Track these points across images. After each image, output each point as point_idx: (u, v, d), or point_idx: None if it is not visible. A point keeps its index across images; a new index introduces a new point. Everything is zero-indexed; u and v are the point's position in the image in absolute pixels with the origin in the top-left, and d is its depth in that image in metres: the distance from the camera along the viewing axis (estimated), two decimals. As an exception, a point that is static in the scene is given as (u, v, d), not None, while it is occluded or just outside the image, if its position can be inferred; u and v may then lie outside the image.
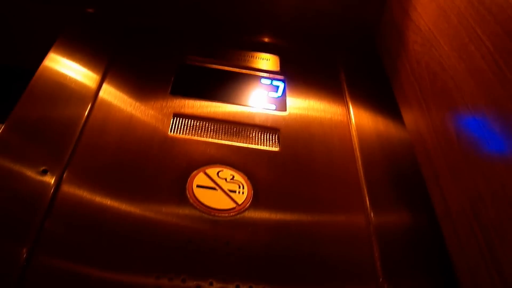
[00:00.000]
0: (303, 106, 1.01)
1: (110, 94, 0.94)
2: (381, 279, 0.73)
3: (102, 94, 0.93)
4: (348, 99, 1.04)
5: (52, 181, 0.75)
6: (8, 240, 0.67)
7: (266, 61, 1.12)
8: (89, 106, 0.89)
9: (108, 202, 0.75)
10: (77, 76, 0.96)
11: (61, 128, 0.84)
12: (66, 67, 0.97)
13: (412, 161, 0.92)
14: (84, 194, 0.75)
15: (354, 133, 0.96)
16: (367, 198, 0.84)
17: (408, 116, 0.98)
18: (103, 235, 0.71)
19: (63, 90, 0.92)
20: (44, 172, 0.76)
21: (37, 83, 0.92)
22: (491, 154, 0.67)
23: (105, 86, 0.95)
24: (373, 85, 1.11)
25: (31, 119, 0.85)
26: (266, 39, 1.21)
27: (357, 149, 0.93)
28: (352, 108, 1.02)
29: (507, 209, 0.61)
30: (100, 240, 0.70)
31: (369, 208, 0.82)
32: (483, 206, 0.67)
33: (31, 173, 0.76)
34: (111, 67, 1.00)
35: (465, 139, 0.74)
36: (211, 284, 0.67)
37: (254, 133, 0.92)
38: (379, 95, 1.08)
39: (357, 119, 1.00)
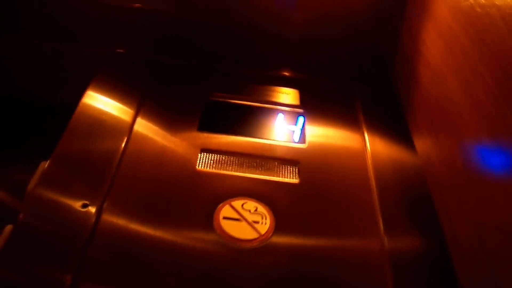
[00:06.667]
0: (321, 137, 1.07)
1: (144, 127, 1.01)
2: (394, 304, 0.77)
3: (136, 127, 1.00)
4: (364, 128, 1.09)
5: (94, 211, 0.82)
6: (54, 267, 0.75)
7: (287, 95, 1.18)
8: (125, 139, 0.97)
9: (143, 230, 0.82)
10: (113, 111, 1.04)
11: (100, 160, 0.92)
12: (103, 103, 1.05)
13: (425, 187, 0.95)
14: (122, 222, 0.82)
15: (369, 161, 1.01)
16: (381, 223, 0.89)
17: (420, 145, 1.03)
18: (139, 262, 0.77)
19: (101, 124, 1.00)
20: (85, 206, 0.83)
21: (78, 118, 1.00)
22: (492, 183, 0.71)
23: (139, 120, 1.02)
24: (387, 113, 1.16)
25: (73, 153, 0.93)
26: (286, 73, 1.27)
27: (372, 176, 0.97)
28: (368, 136, 1.07)
29: (506, 237, 0.66)
30: (136, 266, 0.77)
31: (383, 233, 0.87)
32: (486, 233, 0.71)
33: (74, 205, 0.83)
34: (144, 102, 1.07)
35: (470, 169, 0.79)
36: (236, 310, 0.74)
37: (275, 166, 0.98)
38: (393, 123, 1.12)
39: (372, 146, 1.05)
